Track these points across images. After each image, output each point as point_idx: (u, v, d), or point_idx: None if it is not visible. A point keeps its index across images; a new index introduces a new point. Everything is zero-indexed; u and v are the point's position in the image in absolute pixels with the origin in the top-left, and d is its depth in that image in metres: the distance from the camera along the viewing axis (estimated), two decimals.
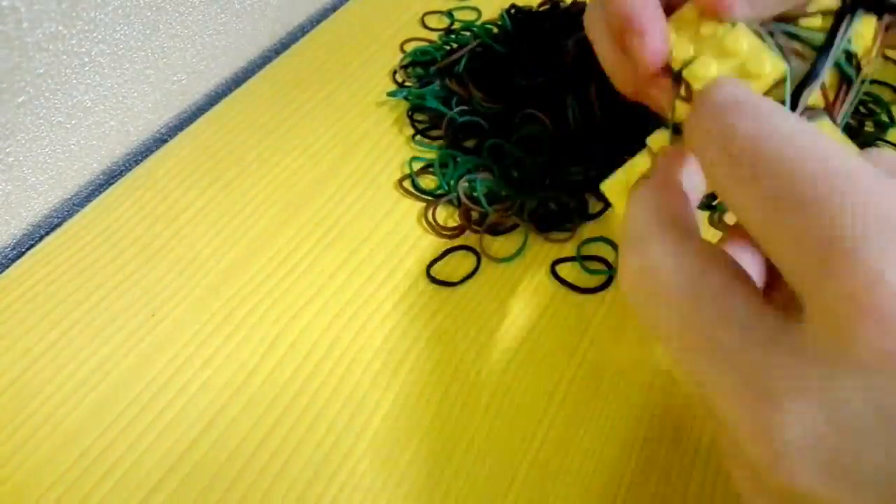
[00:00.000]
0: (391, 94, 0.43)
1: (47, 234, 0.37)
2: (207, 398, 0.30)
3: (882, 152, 0.19)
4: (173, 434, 0.28)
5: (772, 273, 0.23)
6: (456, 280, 0.33)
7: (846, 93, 0.22)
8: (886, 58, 0.43)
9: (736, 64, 0.22)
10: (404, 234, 0.36)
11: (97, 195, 0.39)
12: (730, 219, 0.25)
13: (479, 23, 0.47)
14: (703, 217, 0.26)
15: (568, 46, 0.38)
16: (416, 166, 0.39)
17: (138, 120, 0.42)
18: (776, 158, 0.17)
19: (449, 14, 0.50)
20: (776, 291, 0.22)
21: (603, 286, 0.33)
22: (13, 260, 0.36)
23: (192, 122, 0.43)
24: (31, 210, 0.38)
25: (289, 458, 0.28)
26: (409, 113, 0.42)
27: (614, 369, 0.30)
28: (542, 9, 0.45)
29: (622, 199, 0.25)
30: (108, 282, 0.34)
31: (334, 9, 0.53)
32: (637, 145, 0.27)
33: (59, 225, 0.37)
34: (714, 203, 0.30)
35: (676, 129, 0.23)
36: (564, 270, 0.34)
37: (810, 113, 0.22)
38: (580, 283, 0.33)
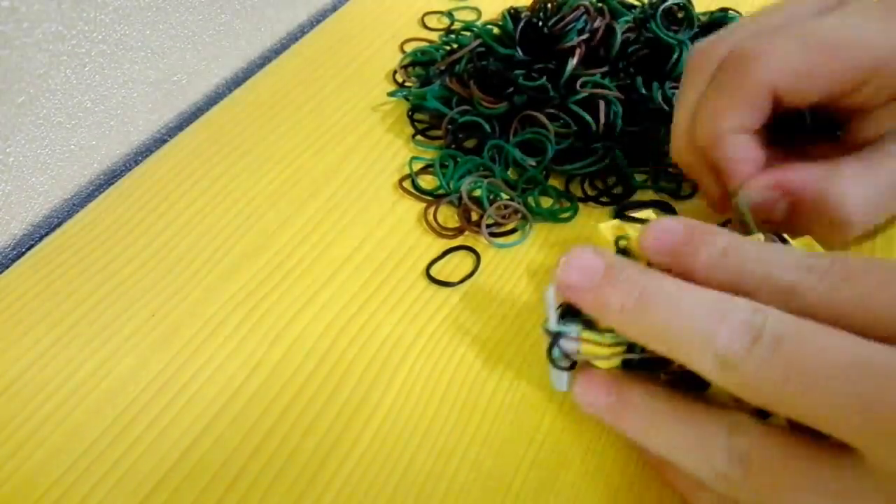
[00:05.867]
0: (391, 94, 0.43)
1: (47, 234, 0.37)
2: (207, 398, 0.30)
3: None
4: (173, 434, 0.28)
5: None
6: (456, 280, 0.33)
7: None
8: None
9: None
10: (404, 234, 0.36)
11: (97, 195, 0.39)
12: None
13: (479, 23, 0.47)
14: None
15: (574, 47, 0.38)
16: (416, 166, 0.39)
17: (138, 120, 0.42)
18: None
19: (449, 14, 0.50)
20: None
21: None
22: (13, 260, 0.36)
23: (192, 122, 0.43)
24: (31, 210, 0.38)
25: (289, 457, 0.28)
26: (409, 113, 0.42)
27: None
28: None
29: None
30: (108, 282, 0.34)
31: (334, 9, 0.53)
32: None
33: (59, 225, 0.37)
34: None
35: None
36: None
37: None
38: None
